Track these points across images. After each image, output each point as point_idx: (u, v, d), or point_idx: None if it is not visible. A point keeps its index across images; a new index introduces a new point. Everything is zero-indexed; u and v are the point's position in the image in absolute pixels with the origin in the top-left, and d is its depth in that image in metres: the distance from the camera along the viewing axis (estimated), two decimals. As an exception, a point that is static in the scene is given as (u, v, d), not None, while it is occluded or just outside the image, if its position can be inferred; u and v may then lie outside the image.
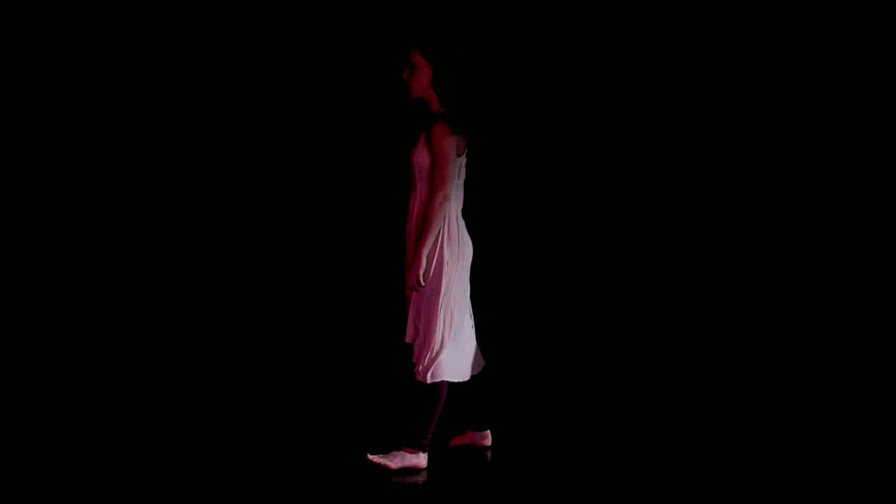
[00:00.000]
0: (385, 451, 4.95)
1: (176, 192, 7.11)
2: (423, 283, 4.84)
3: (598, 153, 6.98)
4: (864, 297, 6.72)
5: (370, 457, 4.92)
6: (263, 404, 5.84)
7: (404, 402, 5.09)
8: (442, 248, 4.87)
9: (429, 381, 4.88)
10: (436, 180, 4.81)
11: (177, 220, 7.11)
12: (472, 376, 5.05)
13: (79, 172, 7.02)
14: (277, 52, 7.02)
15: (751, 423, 5.66)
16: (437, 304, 4.87)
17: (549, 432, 5.56)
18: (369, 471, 4.89)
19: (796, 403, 6.00)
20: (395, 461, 4.91)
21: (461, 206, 4.96)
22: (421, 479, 4.88)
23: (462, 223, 4.96)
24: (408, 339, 5.00)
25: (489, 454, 5.19)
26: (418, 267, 4.82)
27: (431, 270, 4.86)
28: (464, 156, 4.93)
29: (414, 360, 4.94)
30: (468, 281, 4.99)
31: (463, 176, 4.95)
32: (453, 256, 4.89)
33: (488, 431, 5.27)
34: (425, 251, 4.83)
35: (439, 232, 4.86)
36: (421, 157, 4.87)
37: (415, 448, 4.93)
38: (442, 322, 4.89)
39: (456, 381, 4.96)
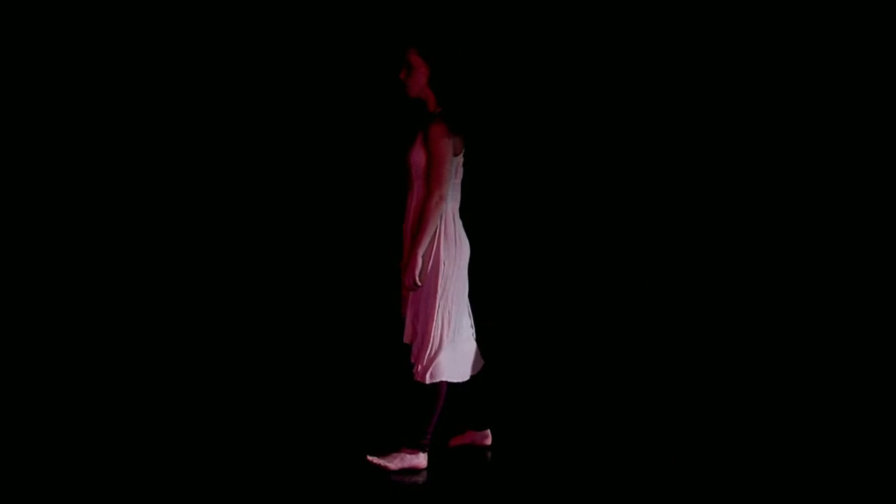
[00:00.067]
0: (385, 451, 4.95)
1: (173, 192, 7.10)
2: (419, 283, 4.84)
3: (597, 152, 6.97)
4: (864, 297, 6.71)
5: (370, 458, 4.92)
6: (263, 405, 5.84)
7: (403, 403, 5.08)
8: (438, 247, 4.86)
9: (427, 381, 4.87)
10: (432, 180, 4.81)
11: (174, 221, 7.11)
12: (472, 376, 5.05)
13: (78, 172, 7.01)
14: (275, 52, 7.02)
15: (751, 422, 5.66)
16: (434, 304, 4.87)
17: (549, 432, 5.55)
18: (369, 471, 4.88)
19: (796, 403, 5.99)
20: (395, 462, 4.91)
21: (458, 206, 4.96)
22: (421, 479, 4.88)
23: (459, 223, 4.95)
24: (406, 340, 5.00)
25: (489, 454, 5.19)
26: (414, 267, 4.82)
27: (428, 270, 4.86)
28: (461, 155, 4.92)
29: (412, 361, 4.93)
30: (466, 281, 4.98)
31: (460, 175, 4.95)
32: (450, 256, 4.88)
33: (488, 431, 5.26)
34: (421, 251, 4.82)
35: (436, 232, 4.85)
36: (418, 157, 4.86)
37: (414, 448, 4.92)
38: (440, 322, 4.89)
39: (455, 381, 4.95)
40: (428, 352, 4.88)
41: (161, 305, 7.07)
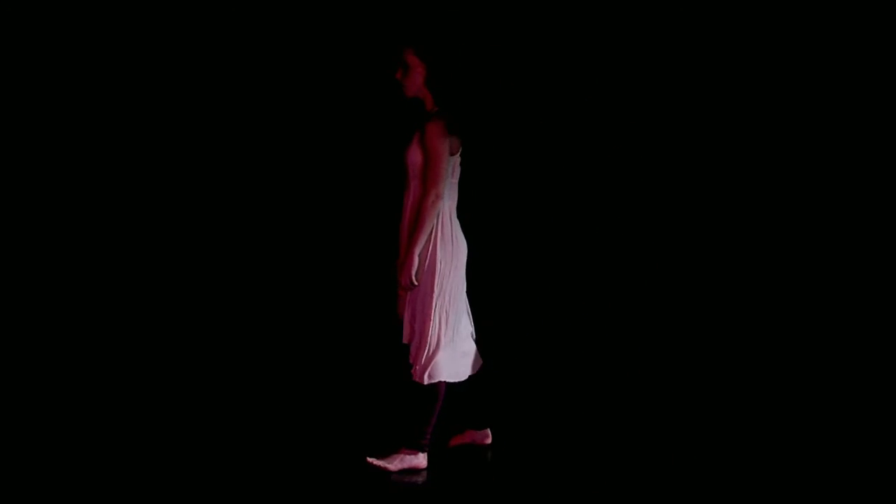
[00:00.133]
0: (384, 452, 4.94)
1: (171, 192, 7.10)
2: (415, 283, 4.84)
3: (595, 151, 6.97)
4: (864, 297, 6.71)
5: (369, 459, 4.91)
6: (263, 406, 5.83)
7: (403, 403, 5.07)
8: (435, 247, 4.86)
9: (426, 381, 4.87)
10: (428, 179, 4.81)
11: (172, 221, 7.10)
12: (471, 376, 5.04)
13: (75, 172, 7.00)
14: (272, 52, 7.01)
15: (751, 422, 5.66)
16: (430, 304, 4.86)
17: (549, 431, 5.55)
18: (369, 471, 4.88)
19: (796, 403, 5.99)
20: (395, 463, 4.91)
21: (455, 205, 4.95)
22: (421, 479, 4.87)
23: (456, 222, 4.95)
24: (405, 340, 4.99)
25: (489, 454, 5.18)
26: (410, 266, 4.82)
27: (424, 270, 4.85)
28: (458, 154, 4.92)
29: (411, 361, 4.93)
30: (464, 280, 4.98)
31: (457, 175, 4.94)
32: (446, 256, 4.88)
33: (488, 430, 5.26)
34: (417, 250, 4.82)
35: (432, 231, 4.85)
36: (414, 156, 4.86)
37: (414, 449, 4.92)
38: (437, 322, 4.88)
39: (453, 381, 4.95)
40: (426, 352, 4.87)
41: (159, 306, 7.07)
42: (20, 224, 6.96)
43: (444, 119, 4.83)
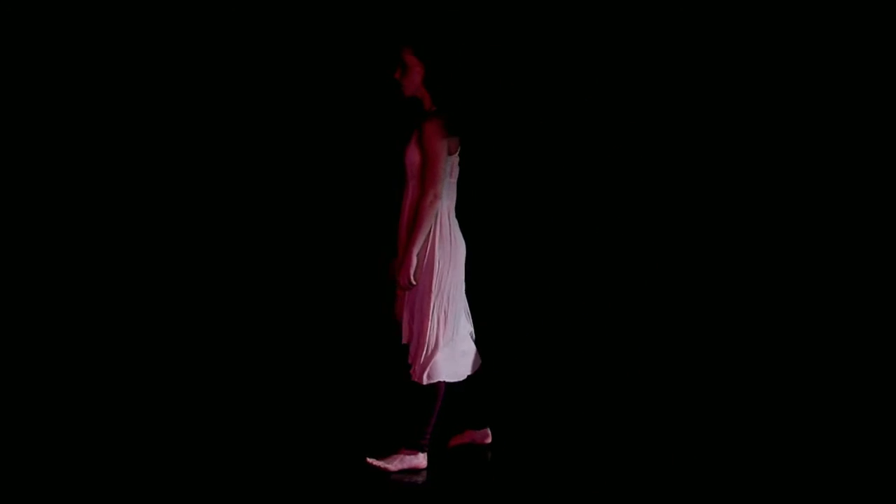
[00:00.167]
0: (384, 452, 4.94)
1: (168, 192, 7.09)
2: (414, 283, 4.83)
3: (594, 150, 6.96)
4: (864, 298, 6.70)
5: (369, 460, 4.91)
6: (262, 406, 5.83)
7: (402, 404, 5.07)
8: (433, 247, 4.85)
9: (425, 382, 4.87)
10: (426, 178, 4.80)
11: (169, 221, 7.09)
12: (469, 376, 5.04)
13: (74, 172, 7.00)
14: (269, 51, 7.00)
15: (750, 422, 5.65)
16: (429, 304, 4.86)
17: (548, 430, 5.55)
18: (369, 472, 4.88)
19: (796, 403, 5.99)
20: (395, 463, 4.90)
21: (454, 205, 4.95)
22: (421, 479, 4.87)
23: (455, 222, 4.94)
24: (404, 340, 4.99)
25: (489, 453, 5.18)
26: (408, 266, 4.81)
27: (423, 270, 4.85)
28: (456, 154, 4.92)
29: (409, 362, 4.93)
30: (462, 280, 4.97)
31: (456, 174, 4.94)
32: (444, 256, 4.87)
33: (487, 430, 5.25)
34: (415, 250, 4.81)
35: (430, 231, 4.85)
36: (413, 155, 4.86)
37: (413, 449, 4.91)
38: (436, 322, 4.88)
39: (452, 381, 4.95)
40: (424, 352, 4.87)
41: (157, 307, 7.06)
42: (20, 224, 6.95)
43: (442, 119, 4.83)
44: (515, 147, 6.96)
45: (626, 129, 6.92)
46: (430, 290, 4.85)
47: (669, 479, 4.86)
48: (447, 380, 4.91)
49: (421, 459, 4.93)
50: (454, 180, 4.94)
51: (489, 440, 5.24)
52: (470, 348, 5.05)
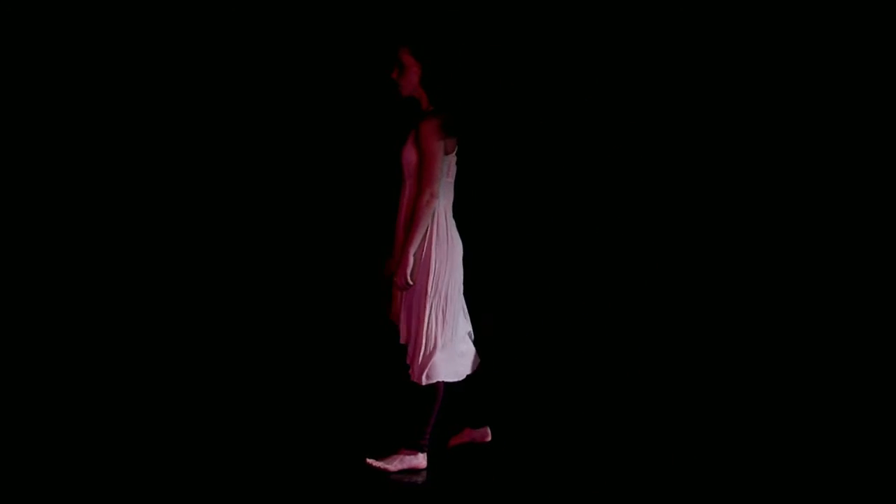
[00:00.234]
0: (384, 453, 4.94)
1: (165, 192, 7.09)
2: (411, 283, 4.83)
3: (592, 150, 6.95)
4: (864, 298, 6.70)
5: (369, 461, 4.91)
6: (262, 406, 5.83)
7: (401, 404, 5.07)
8: (430, 246, 4.85)
9: (424, 382, 4.86)
10: (423, 178, 4.80)
11: (166, 221, 7.09)
12: (468, 375, 5.04)
13: (72, 171, 6.99)
14: (266, 51, 7.00)
15: (750, 422, 5.65)
16: (425, 304, 4.86)
17: (548, 428, 5.55)
18: (369, 472, 4.88)
19: (796, 403, 5.99)
20: (395, 464, 4.90)
21: (451, 205, 4.94)
22: (420, 479, 4.87)
23: (452, 222, 4.93)
24: (401, 341, 4.99)
25: (489, 453, 5.17)
26: (405, 266, 4.81)
27: (419, 270, 4.85)
28: (454, 154, 4.91)
29: (408, 362, 4.92)
30: (460, 280, 4.97)
31: (453, 174, 4.93)
32: (441, 255, 4.87)
33: (487, 428, 5.25)
34: (412, 250, 4.81)
35: (427, 231, 4.84)
36: (409, 155, 4.85)
37: (413, 449, 4.91)
38: (433, 323, 4.87)
39: (451, 380, 4.94)
40: (422, 352, 4.87)
41: (156, 307, 7.06)
42: (20, 224, 6.96)
43: (439, 118, 4.83)
44: (513, 147, 6.95)
45: (624, 128, 6.91)
46: (427, 290, 4.85)
47: (669, 478, 4.86)
48: (446, 380, 4.91)
49: (421, 459, 4.93)
50: (451, 180, 4.93)
51: (489, 438, 5.24)
52: (468, 349, 5.05)
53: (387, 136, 5.76)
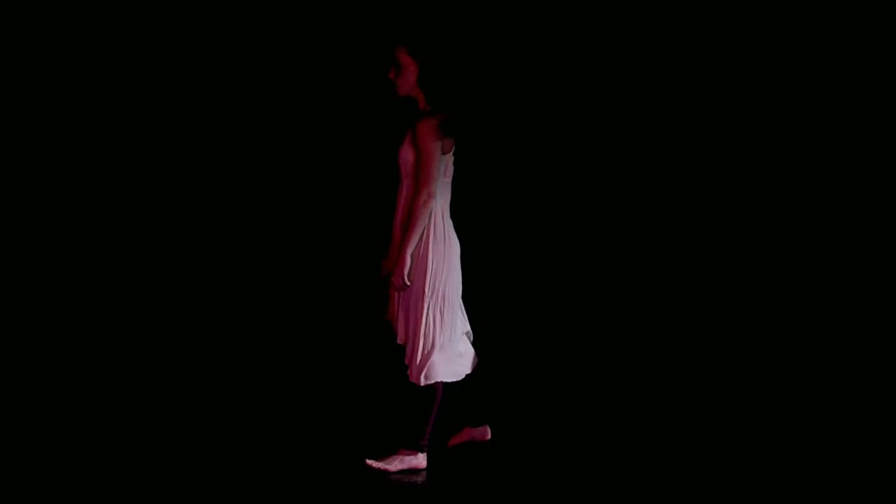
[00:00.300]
0: (383, 453, 4.94)
1: (163, 192, 7.08)
2: (408, 283, 4.83)
3: (590, 150, 6.95)
4: (864, 298, 6.70)
5: (369, 462, 4.91)
6: (262, 407, 5.83)
7: (401, 404, 5.07)
8: (427, 246, 4.85)
9: (422, 382, 4.86)
10: (420, 178, 4.80)
11: (164, 221, 7.09)
12: (466, 374, 5.03)
13: (70, 171, 6.99)
14: (264, 51, 7.00)
15: (750, 422, 5.65)
16: (422, 305, 4.85)
17: (547, 427, 5.55)
18: (369, 472, 4.88)
19: (796, 403, 5.99)
20: (394, 464, 4.90)
21: (448, 205, 4.94)
22: (420, 479, 4.87)
23: (449, 222, 4.93)
24: (399, 341, 4.98)
25: (488, 452, 5.17)
26: (402, 266, 4.81)
27: (416, 270, 4.84)
28: (451, 154, 4.91)
29: (406, 363, 4.92)
30: (458, 280, 4.96)
31: (450, 174, 4.93)
32: (438, 256, 4.86)
33: (486, 427, 5.25)
34: (409, 250, 4.81)
35: (424, 231, 4.84)
36: (407, 155, 4.85)
37: (413, 449, 4.91)
38: (432, 323, 4.87)
39: (450, 380, 4.94)
40: (421, 353, 4.86)
41: (155, 307, 7.06)
42: (20, 224, 6.96)
43: (436, 118, 4.83)
44: (510, 146, 6.95)
45: (623, 128, 6.91)
46: (425, 291, 4.84)
47: (669, 477, 4.86)
48: (445, 380, 4.91)
49: (420, 459, 4.93)
50: (449, 180, 4.93)
51: (488, 437, 5.24)
52: (467, 349, 5.05)
53: (384, 136, 5.76)
